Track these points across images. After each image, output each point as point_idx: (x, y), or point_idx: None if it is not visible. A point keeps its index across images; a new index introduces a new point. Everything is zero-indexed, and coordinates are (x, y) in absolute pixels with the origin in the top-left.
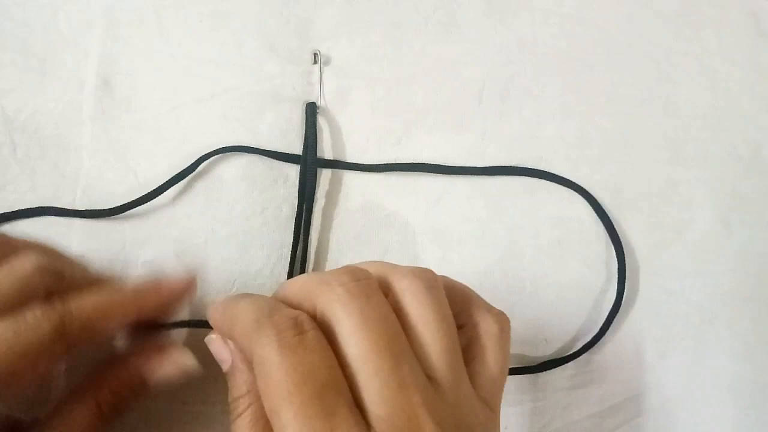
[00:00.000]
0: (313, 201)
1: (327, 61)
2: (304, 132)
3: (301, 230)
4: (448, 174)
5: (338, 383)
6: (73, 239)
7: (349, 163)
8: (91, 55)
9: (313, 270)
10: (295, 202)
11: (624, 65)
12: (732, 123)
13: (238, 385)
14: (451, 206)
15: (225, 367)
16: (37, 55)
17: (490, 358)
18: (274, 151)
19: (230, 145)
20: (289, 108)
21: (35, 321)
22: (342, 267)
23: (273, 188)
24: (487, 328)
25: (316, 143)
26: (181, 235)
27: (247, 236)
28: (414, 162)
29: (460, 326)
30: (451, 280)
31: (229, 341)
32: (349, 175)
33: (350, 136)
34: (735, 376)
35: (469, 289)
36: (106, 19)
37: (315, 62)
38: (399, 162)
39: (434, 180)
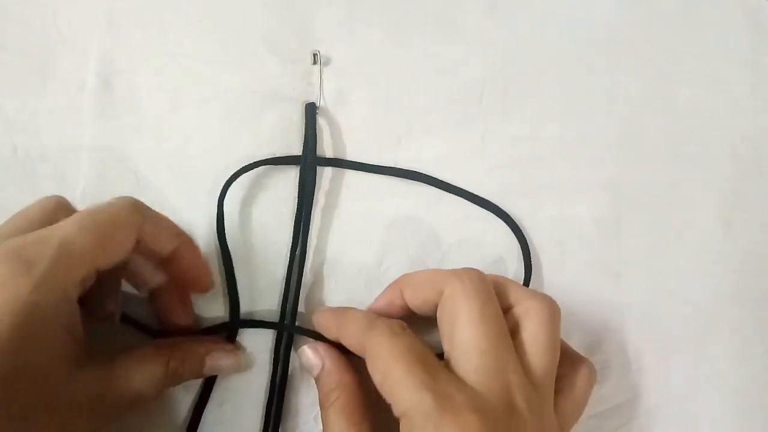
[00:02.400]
0: (312, 201)
1: (327, 61)
2: (304, 132)
3: (300, 231)
4: (438, 188)
5: (434, 357)
6: None
7: (349, 161)
8: (91, 56)
9: (311, 270)
10: (295, 202)
11: (624, 65)
12: (732, 123)
13: (329, 382)
14: (453, 206)
15: (315, 372)
16: (37, 55)
17: (578, 397)
18: (284, 157)
19: (254, 160)
20: (289, 108)
21: (118, 199)
22: (469, 268)
23: (273, 188)
24: (582, 374)
25: (315, 144)
26: None
27: (247, 237)
28: (412, 169)
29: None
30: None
31: (319, 349)
32: (349, 175)
33: (350, 136)
34: (736, 376)
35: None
36: (107, 19)
37: (315, 62)
38: (400, 162)
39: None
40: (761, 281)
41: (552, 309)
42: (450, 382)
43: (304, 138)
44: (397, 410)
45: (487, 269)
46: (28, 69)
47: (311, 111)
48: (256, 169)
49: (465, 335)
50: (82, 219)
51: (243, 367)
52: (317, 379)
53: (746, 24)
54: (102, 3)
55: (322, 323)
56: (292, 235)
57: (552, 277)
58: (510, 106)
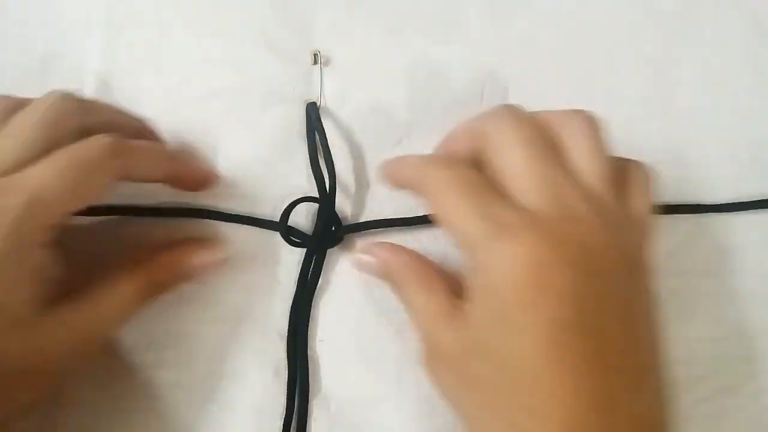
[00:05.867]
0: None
1: (327, 61)
2: (305, 131)
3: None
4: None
5: (491, 187)
6: None
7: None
8: (91, 55)
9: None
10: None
11: (624, 65)
12: (732, 123)
13: (393, 267)
14: None
15: (377, 268)
16: (37, 55)
17: (641, 194)
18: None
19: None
20: (290, 108)
21: (95, 139)
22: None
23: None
24: (635, 172)
25: (326, 140)
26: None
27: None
28: None
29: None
30: None
31: (370, 248)
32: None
33: (350, 136)
34: (736, 377)
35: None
36: (107, 19)
37: (315, 62)
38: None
39: None
40: (762, 281)
41: (590, 118)
42: (505, 207)
43: (308, 136)
44: (457, 242)
45: None
46: (29, 69)
47: (314, 110)
48: (257, 168)
49: (512, 162)
50: (56, 164)
51: (222, 258)
52: (383, 276)
53: (746, 24)
54: (102, 3)
55: (384, 173)
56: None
57: None
58: None
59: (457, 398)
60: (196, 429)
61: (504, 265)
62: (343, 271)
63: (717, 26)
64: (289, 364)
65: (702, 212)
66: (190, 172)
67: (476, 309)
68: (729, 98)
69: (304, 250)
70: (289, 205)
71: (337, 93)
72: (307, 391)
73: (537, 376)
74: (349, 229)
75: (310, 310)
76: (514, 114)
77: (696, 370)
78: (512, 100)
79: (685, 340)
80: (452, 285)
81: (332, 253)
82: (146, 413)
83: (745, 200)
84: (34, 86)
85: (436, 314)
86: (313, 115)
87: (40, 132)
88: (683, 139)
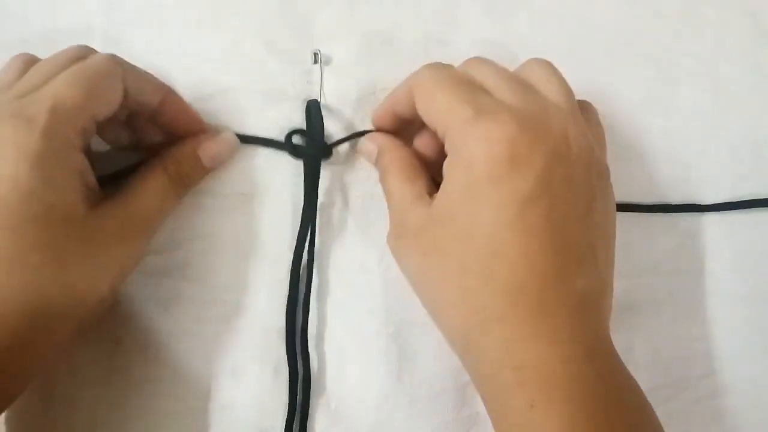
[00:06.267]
0: (317, 195)
1: (327, 61)
2: (306, 129)
3: (307, 230)
4: None
5: (476, 85)
6: None
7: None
8: None
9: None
10: (293, 193)
11: (624, 65)
12: (732, 123)
13: (386, 156)
14: None
15: (374, 155)
16: (37, 54)
17: (596, 122)
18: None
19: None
20: (290, 107)
21: (97, 54)
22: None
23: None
24: (590, 108)
25: (323, 137)
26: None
27: (250, 230)
28: None
29: None
30: None
31: (375, 136)
32: (348, 173)
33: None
34: (735, 376)
35: None
36: (106, 19)
37: (315, 62)
38: None
39: None
40: (761, 281)
41: (548, 63)
42: (490, 99)
43: (307, 133)
44: (441, 131)
45: None
46: None
47: (315, 107)
48: (256, 163)
49: (493, 81)
50: (68, 75)
51: (235, 144)
52: (377, 161)
53: (746, 24)
54: (102, 3)
55: (376, 120)
56: (297, 234)
57: None
58: None
59: (417, 270)
60: (196, 429)
61: (480, 141)
62: (343, 270)
63: (717, 26)
64: (289, 363)
65: (702, 212)
66: (182, 104)
67: (448, 184)
68: (729, 98)
69: (305, 247)
70: (291, 131)
71: (337, 92)
72: (308, 390)
73: (497, 244)
74: (340, 142)
75: (309, 302)
76: (488, 60)
77: (696, 369)
78: None
79: (685, 339)
80: (435, 183)
81: (331, 253)
82: (146, 412)
83: (744, 200)
84: None
85: (408, 196)
86: (313, 111)
87: (59, 67)
88: (683, 139)
